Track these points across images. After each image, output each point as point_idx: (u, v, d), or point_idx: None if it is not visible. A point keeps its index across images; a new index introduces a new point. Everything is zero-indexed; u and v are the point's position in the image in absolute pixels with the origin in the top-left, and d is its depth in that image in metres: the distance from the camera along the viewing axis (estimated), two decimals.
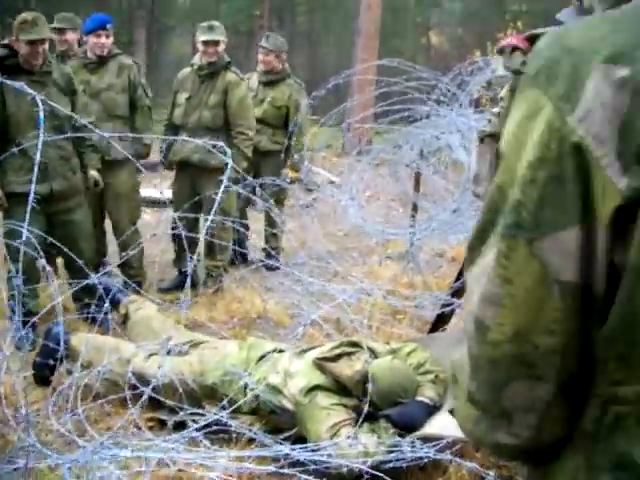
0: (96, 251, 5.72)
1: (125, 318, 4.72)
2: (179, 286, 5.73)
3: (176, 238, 5.97)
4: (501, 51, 1.44)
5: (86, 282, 3.86)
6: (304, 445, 3.28)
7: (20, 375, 3.97)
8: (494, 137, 4.13)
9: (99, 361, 3.87)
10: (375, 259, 7.25)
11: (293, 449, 3.10)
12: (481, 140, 4.13)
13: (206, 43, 6.17)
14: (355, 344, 3.81)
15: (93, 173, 5.40)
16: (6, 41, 5.06)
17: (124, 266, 5.77)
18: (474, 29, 29.01)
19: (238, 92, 6.23)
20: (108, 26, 5.96)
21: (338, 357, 3.65)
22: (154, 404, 3.84)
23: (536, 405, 1.01)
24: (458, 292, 4.59)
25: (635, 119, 0.87)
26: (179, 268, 6.31)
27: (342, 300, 5.08)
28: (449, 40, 34.32)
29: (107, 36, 5.95)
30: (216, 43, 6.20)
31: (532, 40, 1.35)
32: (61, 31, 6.10)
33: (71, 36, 6.18)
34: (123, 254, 4.40)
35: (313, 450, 3.16)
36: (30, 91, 3.01)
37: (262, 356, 3.93)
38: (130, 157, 4.16)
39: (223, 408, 3.47)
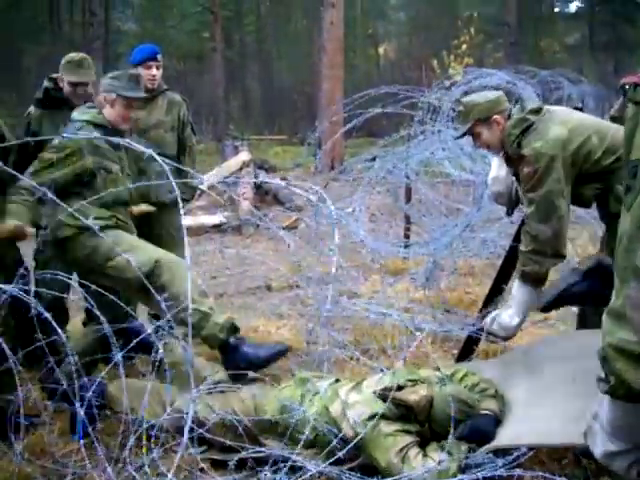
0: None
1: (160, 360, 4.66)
2: None
3: None
4: (623, 87, 1.53)
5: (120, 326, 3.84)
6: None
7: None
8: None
9: (140, 408, 3.82)
10: (375, 277, 7.26)
11: None
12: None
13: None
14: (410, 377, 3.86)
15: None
16: (54, 75, 5.15)
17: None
18: (426, 38, 29.36)
19: None
20: (159, 56, 5.59)
21: (400, 388, 3.69)
22: (202, 446, 3.82)
23: None
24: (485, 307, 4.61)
25: None
26: None
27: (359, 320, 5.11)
28: (400, 51, 34.63)
29: (158, 67, 5.58)
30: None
31: None
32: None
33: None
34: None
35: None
36: (139, 147, 2.94)
37: (317, 390, 3.93)
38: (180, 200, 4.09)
39: (284, 443, 3.47)
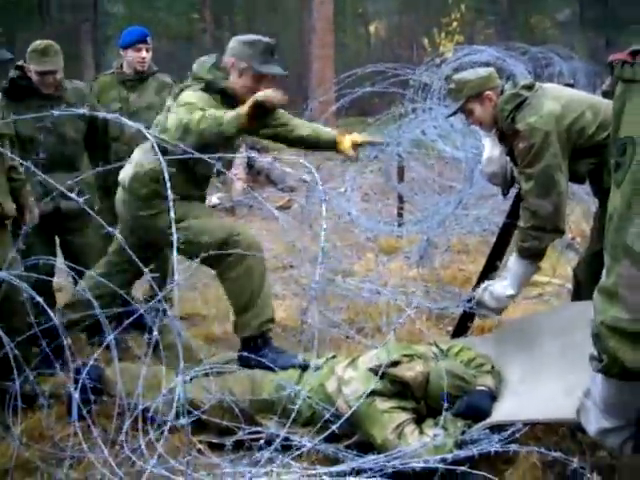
0: None
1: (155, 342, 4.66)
2: None
3: None
4: (610, 64, 1.53)
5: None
6: (388, 456, 3.29)
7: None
8: None
9: (136, 390, 3.81)
10: (370, 256, 7.27)
11: (377, 461, 3.13)
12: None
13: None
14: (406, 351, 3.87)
15: None
16: (20, 63, 4.95)
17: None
18: (416, 16, 29.23)
19: None
20: (148, 39, 5.58)
21: (396, 363, 3.70)
22: (198, 427, 3.83)
23: None
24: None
25: None
26: None
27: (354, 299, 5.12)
28: (391, 29, 34.51)
29: (147, 50, 5.57)
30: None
31: (635, 54, 1.46)
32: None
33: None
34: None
35: (395, 457, 3.19)
36: (129, 122, 2.91)
37: (316, 367, 3.94)
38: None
39: (281, 421, 3.48)
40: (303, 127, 4.66)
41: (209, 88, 4.26)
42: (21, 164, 4.16)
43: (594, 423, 1.79)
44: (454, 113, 4.47)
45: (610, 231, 1.48)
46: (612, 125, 1.53)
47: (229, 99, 4.27)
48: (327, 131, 4.74)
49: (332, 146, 4.65)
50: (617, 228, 1.45)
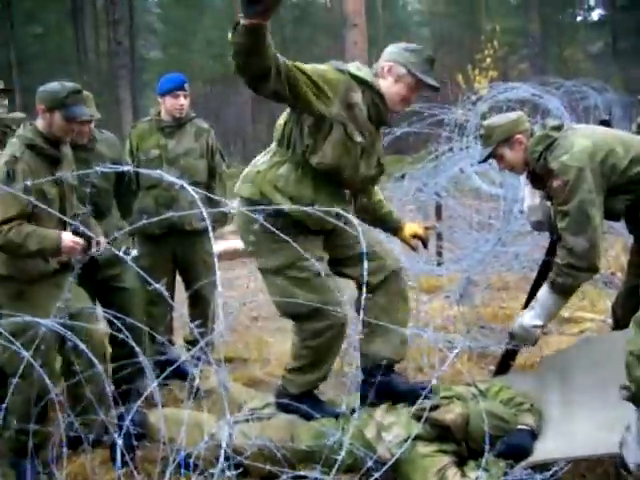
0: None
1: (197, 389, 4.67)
2: None
3: None
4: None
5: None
6: None
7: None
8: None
9: (179, 436, 3.81)
10: (410, 295, 7.22)
11: None
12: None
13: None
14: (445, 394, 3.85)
15: None
16: None
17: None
18: (450, 53, 29.30)
19: None
20: (185, 85, 5.60)
21: (436, 407, 3.67)
22: (240, 475, 3.81)
23: None
24: None
25: None
26: None
27: None
28: None
29: (185, 97, 5.59)
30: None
31: None
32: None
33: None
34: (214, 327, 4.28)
35: None
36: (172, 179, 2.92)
37: (352, 410, 3.91)
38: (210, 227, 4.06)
39: (324, 471, 3.45)
40: (378, 193, 4.60)
41: None
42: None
43: (633, 457, 1.77)
44: (486, 159, 4.47)
45: None
46: None
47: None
48: (394, 212, 4.65)
49: (394, 229, 4.62)
50: None
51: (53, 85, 4.27)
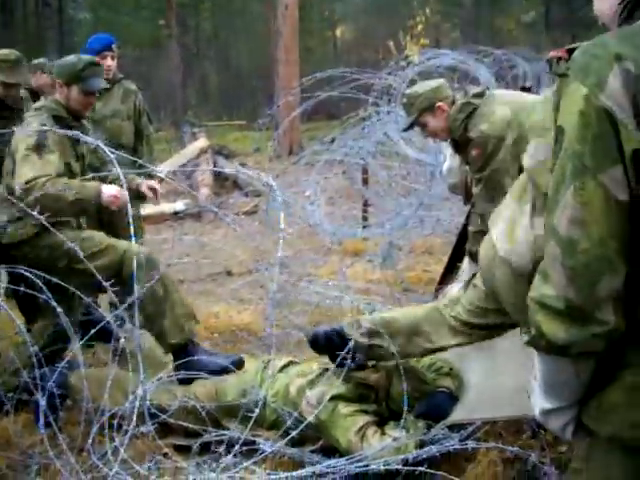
0: None
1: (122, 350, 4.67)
2: None
3: None
4: (549, 61, 1.63)
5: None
6: (350, 459, 3.33)
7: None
8: None
9: (102, 396, 3.82)
10: (334, 259, 7.33)
11: (335, 465, 3.18)
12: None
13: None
14: None
15: None
16: None
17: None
18: (382, 19, 29.31)
19: None
20: (114, 46, 5.54)
21: (362, 367, 3.75)
22: (165, 431, 3.86)
23: (614, 294, 1.45)
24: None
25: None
26: None
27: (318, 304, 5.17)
28: (357, 33, 34.61)
29: (113, 57, 5.51)
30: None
31: (570, 52, 1.56)
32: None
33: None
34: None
35: (357, 460, 3.23)
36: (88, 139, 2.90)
37: (280, 369, 3.98)
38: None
39: (244, 425, 3.50)
40: None
41: None
42: None
43: (538, 404, 1.81)
44: (409, 127, 4.54)
45: (545, 214, 1.58)
46: (553, 118, 1.61)
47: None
48: None
49: None
50: (548, 210, 1.54)
51: (69, 58, 4.27)
